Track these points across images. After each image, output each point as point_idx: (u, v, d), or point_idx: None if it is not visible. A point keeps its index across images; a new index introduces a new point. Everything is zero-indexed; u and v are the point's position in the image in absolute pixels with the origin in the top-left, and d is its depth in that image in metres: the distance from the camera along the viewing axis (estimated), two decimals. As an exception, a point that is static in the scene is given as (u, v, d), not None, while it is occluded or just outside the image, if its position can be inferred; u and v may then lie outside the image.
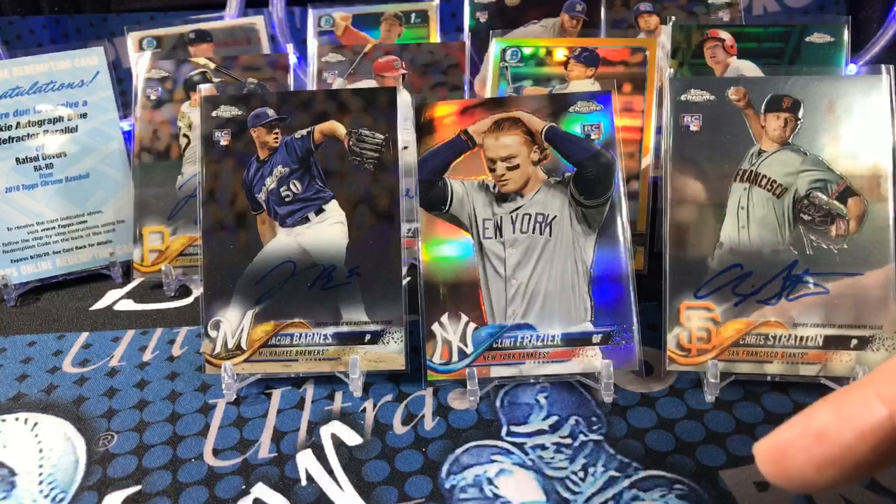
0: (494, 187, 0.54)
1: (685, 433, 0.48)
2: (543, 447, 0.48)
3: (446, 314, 0.53)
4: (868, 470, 0.24)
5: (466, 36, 0.90)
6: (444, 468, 0.46)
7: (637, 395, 0.52)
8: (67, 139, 0.71)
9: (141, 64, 0.75)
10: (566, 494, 0.44)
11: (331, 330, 0.54)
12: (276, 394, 0.54)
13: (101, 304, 0.69)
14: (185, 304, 0.68)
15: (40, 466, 0.49)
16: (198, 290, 0.70)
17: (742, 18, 0.87)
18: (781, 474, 0.25)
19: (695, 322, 0.51)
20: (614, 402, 0.51)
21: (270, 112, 0.57)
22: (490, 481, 0.45)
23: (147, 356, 0.60)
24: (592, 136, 0.54)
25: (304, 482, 0.46)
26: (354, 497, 0.45)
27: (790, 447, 0.25)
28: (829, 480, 0.24)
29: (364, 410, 0.52)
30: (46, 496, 0.46)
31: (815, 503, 0.42)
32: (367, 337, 0.54)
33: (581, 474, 0.45)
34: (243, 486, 0.46)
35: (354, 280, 0.54)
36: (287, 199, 0.56)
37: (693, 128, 0.53)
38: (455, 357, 0.52)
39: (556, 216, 0.53)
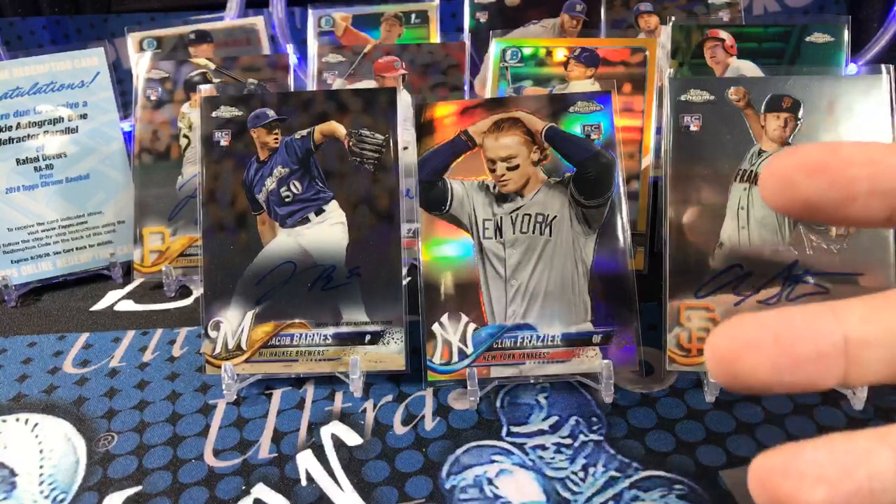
0: (494, 187, 0.54)
1: (685, 433, 0.48)
2: (544, 447, 0.48)
3: (446, 314, 0.53)
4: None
5: (466, 36, 0.90)
6: (445, 468, 0.46)
7: (637, 395, 0.52)
8: (68, 140, 0.71)
9: (141, 64, 0.75)
10: (566, 495, 0.44)
11: (331, 330, 0.54)
12: (277, 394, 0.54)
13: (101, 305, 0.69)
14: (185, 305, 0.68)
15: (41, 467, 0.49)
16: (198, 291, 0.70)
17: (742, 18, 0.87)
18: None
19: (695, 322, 0.51)
20: (614, 402, 0.51)
21: (270, 113, 0.57)
22: (490, 481, 0.45)
23: (147, 357, 0.60)
24: (592, 137, 0.54)
25: (304, 482, 0.46)
26: (355, 497, 0.45)
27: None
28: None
29: (364, 411, 0.52)
30: (47, 497, 0.46)
31: None
32: (368, 337, 0.54)
33: (581, 474, 0.45)
34: (243, 487, 0.46)
35: (354, 280, 0.54)
36: (287, 200, 0.56)
37: (693, 128, 0.53)
38: (455, 357, 0.52)
39: (556, 216, 0.53)
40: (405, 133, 0.57)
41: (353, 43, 0.85)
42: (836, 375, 0.23)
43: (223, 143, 0.57)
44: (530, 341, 0.52)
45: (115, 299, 0.70)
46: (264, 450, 0.49)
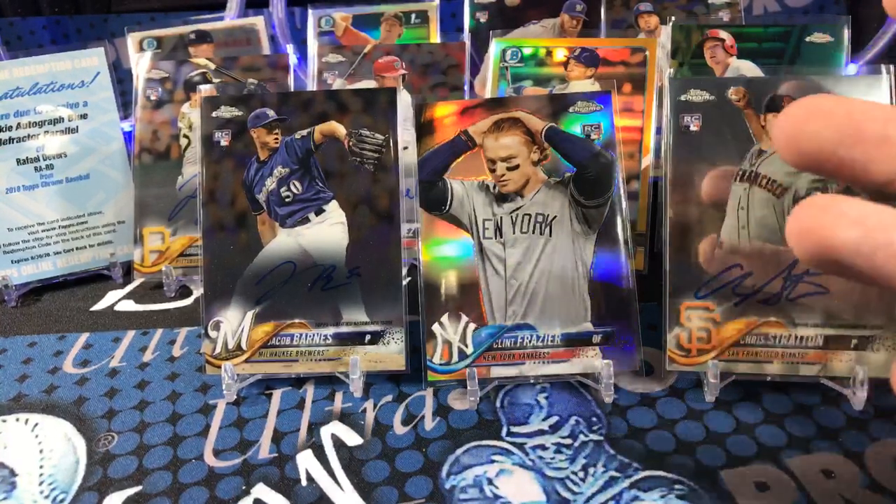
0: (494, 187, 0.54)
1: (685, 433, 0.48)
2: (544, 447, 0.48)
3: (446, 314, 0.53)
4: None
5: (466, 36, 0.90)
6: (445, 468, 0.46)
7: (637, 395, 0.52)
8: (68, 140, 0.71)
9: (141, 64, 0.75)
10: (566, 495, 0.44)
11: (331, 330, 0.54)
12: (277, 394, 0.54)
13: (101, 305, 0.69)
14: (185, 305, 0.68)
15: (41, 467, 0.49)
16: (198, 291, 0.70)
17: (742, 18, 0.87)
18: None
19: (695, 322, 0.51)
20: (614, 402, 0.51)
21: (270, 113, 0.57)
22: (490, 481, 0.45)
23: (147, 357, 0.60)
24: (592, 137, 0.54)
25: (304, 482, 0.46)
26: (355, 497, 0.45)
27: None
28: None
29: (364, 411, 0.52)
30: (47, 497, 0.46)
31: (815, 503, 0.42)
32: (368, 337, 0.54)
33: (581, 474, 0.45)
34: (243, 487, 0.46)
35: (354, 280, 0.54)
36: (287, 200, 0.56)
37: (693, 128, 0.53)
38: (455, 357, 0.52)
39: (556, 216, 0.53)
40: (405, 133, 0.57)
41: (353, 43, 0.85)
42: (890, 168, 0.23)
43: (223, 143, 0.57)
44: (530, 341, 0.52)
45: (115, 299, 0.70)
46: (264, 450, 0.49)
